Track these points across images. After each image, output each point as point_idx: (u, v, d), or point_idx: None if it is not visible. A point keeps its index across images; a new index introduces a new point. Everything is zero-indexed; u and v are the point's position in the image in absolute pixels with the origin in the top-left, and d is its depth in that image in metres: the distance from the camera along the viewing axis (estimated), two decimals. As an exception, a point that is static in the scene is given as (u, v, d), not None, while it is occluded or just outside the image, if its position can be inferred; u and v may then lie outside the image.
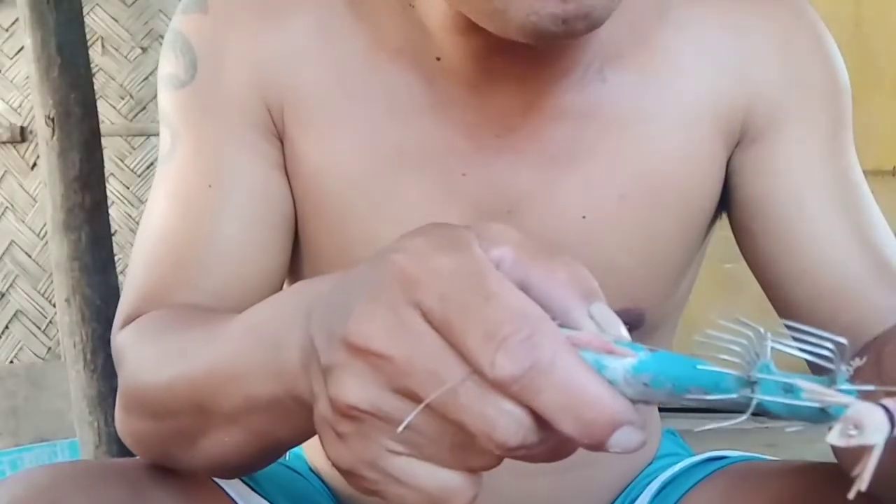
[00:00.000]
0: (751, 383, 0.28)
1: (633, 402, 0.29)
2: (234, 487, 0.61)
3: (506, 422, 0.29)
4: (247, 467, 0.49)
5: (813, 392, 0.27)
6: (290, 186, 0.63)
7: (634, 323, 0.64)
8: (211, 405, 0.43)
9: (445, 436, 0.31)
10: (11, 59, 2.37)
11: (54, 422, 2.32)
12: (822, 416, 0.27)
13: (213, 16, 0.62)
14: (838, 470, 0.53)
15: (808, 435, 0.30)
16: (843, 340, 0.27)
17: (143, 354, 0.53)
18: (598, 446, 0.29)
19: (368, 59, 0.61)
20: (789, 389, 0.28)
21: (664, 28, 0.61)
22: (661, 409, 0.73)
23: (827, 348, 0.27)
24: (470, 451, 0.31)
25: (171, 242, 0.60)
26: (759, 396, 0.28)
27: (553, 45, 0.54)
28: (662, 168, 0.61)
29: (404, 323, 0.30)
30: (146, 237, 0.62)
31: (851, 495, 0.25)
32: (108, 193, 2.03)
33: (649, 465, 0.73)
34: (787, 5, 0.63)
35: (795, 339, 0.28)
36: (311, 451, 0.75)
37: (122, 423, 0.54)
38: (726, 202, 0.65)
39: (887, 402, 0.26)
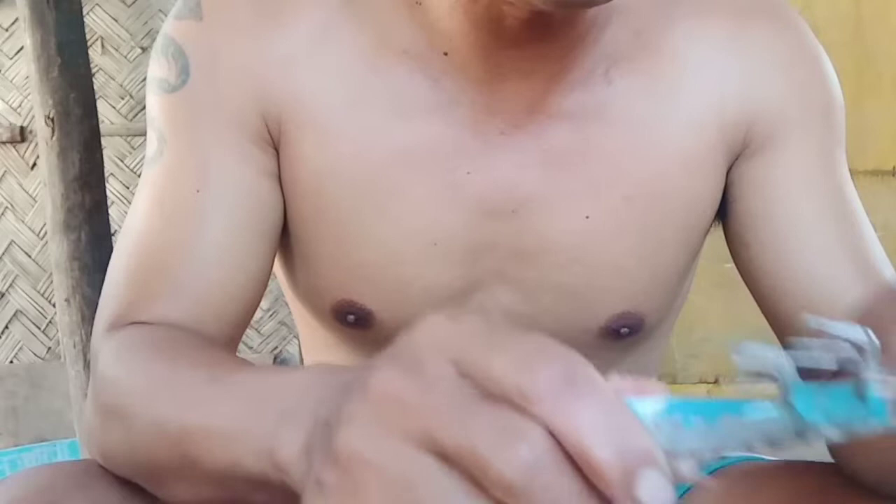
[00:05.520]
0: (787, 404, 0.28)
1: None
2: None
3: (523, 445, 0.26)
4: None
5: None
6: (286, 194, 0.63)
7: (634, 327, 0.64)
8: (196, 458, 0.42)
9: (444, 484, 0.27)
10: (11, 59, 2.37)
11: (54, 422, 2.32)
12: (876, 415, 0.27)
13: (208, 24, 0.61)
14: (838, 470, 0.53)
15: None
16: (869, 335, 0.27)
17: (133, 378, 0.51)
18: (625, 483, 0.26)
19: (371, 61, 0.60)
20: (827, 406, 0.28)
21: (671, 36, 0.62)
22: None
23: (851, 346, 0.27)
24: None
25: (156, 246, 0.60)
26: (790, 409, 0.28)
27: (575, 11, 0.55)
28: (666, 171, 0.61)
29: (432, 383, 0.28)
30: (130, 239, 0.61)
31: None
32: (108, 193, 2.04)
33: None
34: (790, 24, 0.64)
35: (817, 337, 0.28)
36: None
37: (96, 433, 0.52)
38: (723, 212, 0.65)
39: None
